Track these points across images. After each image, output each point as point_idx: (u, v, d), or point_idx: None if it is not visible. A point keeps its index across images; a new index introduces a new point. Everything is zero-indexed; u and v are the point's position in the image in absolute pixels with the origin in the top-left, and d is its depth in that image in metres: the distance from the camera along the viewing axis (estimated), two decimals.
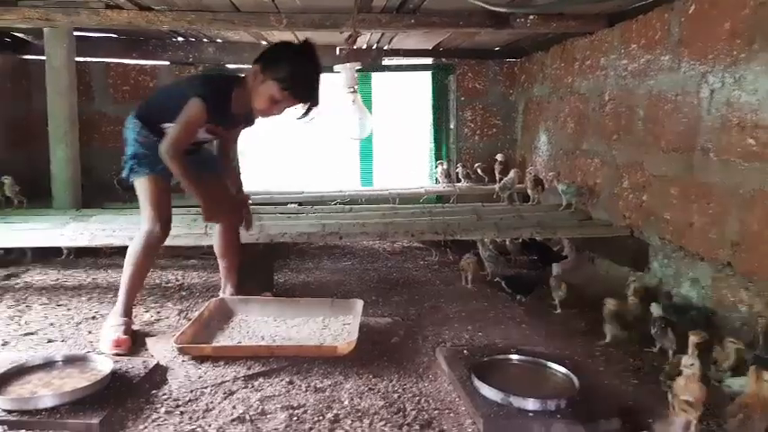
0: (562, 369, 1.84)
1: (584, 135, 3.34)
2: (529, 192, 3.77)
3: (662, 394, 1.79)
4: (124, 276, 2.23)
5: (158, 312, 2.52)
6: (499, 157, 4.25)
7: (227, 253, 2.57)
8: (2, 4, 2.79)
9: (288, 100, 2.10)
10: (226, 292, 2.56)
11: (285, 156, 4.90)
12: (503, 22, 3.00)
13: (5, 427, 1.52)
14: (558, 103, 3.72)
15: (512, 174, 3.88)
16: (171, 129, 2.11)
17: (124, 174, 2.28)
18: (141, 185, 2.21)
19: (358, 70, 3.27)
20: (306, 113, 2.17)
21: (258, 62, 2.12)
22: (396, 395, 1.78)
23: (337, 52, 4.24)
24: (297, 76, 2.05)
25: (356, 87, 3.03)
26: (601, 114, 3.12)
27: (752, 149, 2.04)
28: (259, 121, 2.34)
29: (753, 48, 2.03)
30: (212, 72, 2.12)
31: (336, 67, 3.07)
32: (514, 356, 1.94)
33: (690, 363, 1.60)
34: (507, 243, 3.38)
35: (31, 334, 2.25)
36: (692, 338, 1.70)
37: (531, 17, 2.93)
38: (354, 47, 3.18)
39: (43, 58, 3.51)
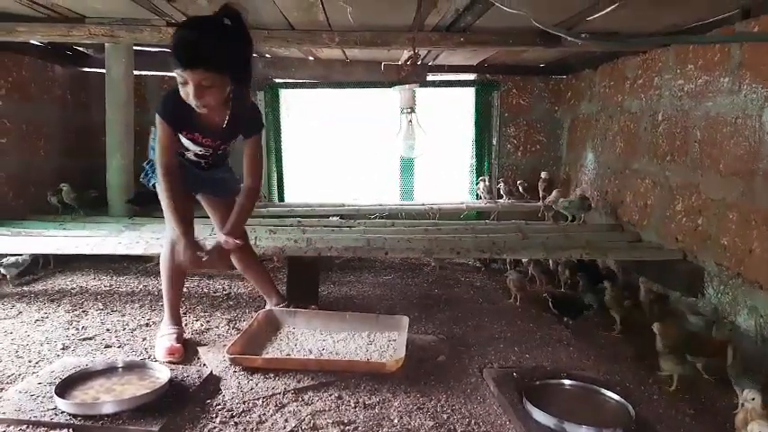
0: (616, 396, 1.80)
1: (635, 155, 3.28)
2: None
3: (720, 426, 1.75)
4: (162, 286, 2.30)
5: (208, 321, 2.58)
6: (543, 174, 4.22)
7: (246, 270, 2.58)
8: (69, 21, 2.93)
9: (183, 70, 1.81)
10: (272, 304, 2.60)
11: (325, 166, 4.94)
12: (553, 41, 2.98)
13: (70, 430, 1.58)
14: (607, 121, 3.66)
15: (555, 193, 3.85)
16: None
17: (142, 177, 2.35)
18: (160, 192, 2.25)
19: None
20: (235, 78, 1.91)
21: None
22: (445, 416, 1.77)
23: (382, 68, 4.30)
24: (175, 39, 1.83)
25: (413, 108, 3.04)
26: (653, 134, 3.06)
27: None
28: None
29: None
30: None
31: (395, 88, 3.10)
32: (567, 381, 1.91)
33: (751, 396, 1.55)
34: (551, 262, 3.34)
35: (89, 339, 2.33)
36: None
37: (583, 35, 2.90)
38: (418, 62, 3.16)
39: (101, 70, 3.66)
